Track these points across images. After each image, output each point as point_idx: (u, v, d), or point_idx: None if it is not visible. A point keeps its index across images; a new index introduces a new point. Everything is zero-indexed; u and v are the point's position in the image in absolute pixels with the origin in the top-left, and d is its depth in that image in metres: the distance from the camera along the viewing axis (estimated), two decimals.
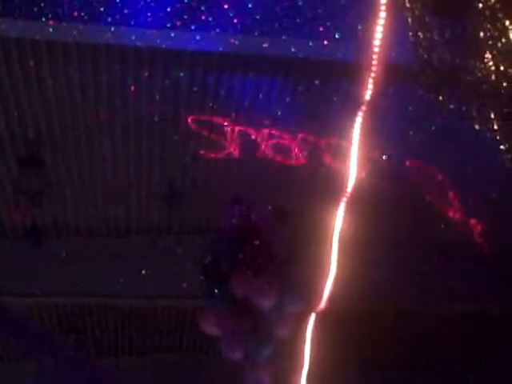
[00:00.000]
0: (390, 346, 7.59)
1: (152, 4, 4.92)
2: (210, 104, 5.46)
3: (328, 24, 4.73)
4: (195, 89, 5.34)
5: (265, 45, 4.91)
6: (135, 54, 5.08)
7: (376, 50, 3.72)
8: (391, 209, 6.03)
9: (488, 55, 2.92)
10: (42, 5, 4.74)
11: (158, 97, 5.38)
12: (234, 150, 5.64)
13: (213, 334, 5.21)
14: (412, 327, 7.53)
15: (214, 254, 5.49)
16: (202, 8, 4.87)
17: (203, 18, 4.74)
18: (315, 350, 5.63)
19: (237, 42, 4.84)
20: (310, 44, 4.61)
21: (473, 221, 6.19)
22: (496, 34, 2.84)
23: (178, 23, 4.91)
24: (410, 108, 5.10)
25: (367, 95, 3.86)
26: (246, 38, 4.92)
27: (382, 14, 3.60)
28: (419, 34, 3.01)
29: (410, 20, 3.05)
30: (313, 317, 5.61)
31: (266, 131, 5.60)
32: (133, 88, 5.32)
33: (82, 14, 4.79)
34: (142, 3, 4.92)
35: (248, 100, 5.42)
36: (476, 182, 5.83)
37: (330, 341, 5.78)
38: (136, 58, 5.11)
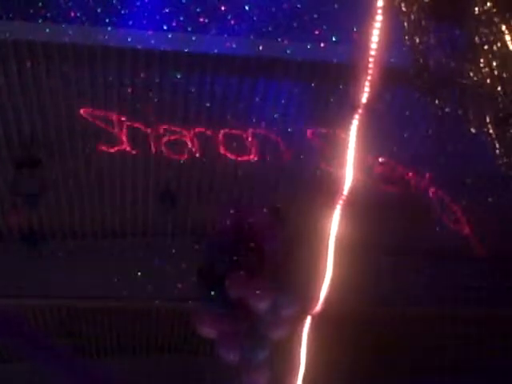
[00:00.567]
0: (385, 349, 7.60)
1: (149, 6, 4.92)
2: (207, 105, 5.47)
3: (325, 27, 4.75)
4: (192, 90, 5.35)
5: (260, 47, 4.93)
6: (132, 55, 5.09)
7: (372, 53, 3.73)
8: (387, 212, 6.03)
9: (484, 59, 2.93)
10: (39, 6, 4.75)
11: (154, 98, 5.39)
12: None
13: (208, 335, 5.21)
14: (408, 330, 7.54)
15: (209, 257, 5.50)
16: (198, 10, 4.88)
17: (200, 20, 4.75)
18: (311, 352, 5.63)
19: (234, 45, 4.85)
20: (309, 47, 4.62)
21: (466, 223, 6.19)
22: (492, 38, 2.85)
23: (175, 25, 4.93)
24: (406, 111, 5.11)
25: (364, 98, 3.87)
26: (242, 40, 4.93)
27: (379, 18, 3.61)
28: (415, 37, 3.02)
29: (406, 24, 3.05)
30: (309, 319, 5.62)
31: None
32: (130, 89, 5.33)
33: (79, 15, 4.80)
34: (138, 5, 4.93)
35: (244, 102, 5.43)
36: (472, 186, 5.84)
37: (326, 343, 5.79)
38: (132, 59, 5.12)
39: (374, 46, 3.69)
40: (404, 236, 6.47)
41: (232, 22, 4.78)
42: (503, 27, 2.82)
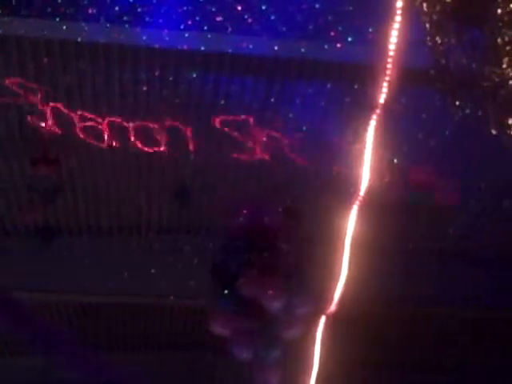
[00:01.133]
0: (399, 349, 7.59)
1: (165, 5, 4.93)
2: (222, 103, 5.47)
3: (341, 27, 4.74)
4: (207, 89, 5.35)
5: (276, 47, 4.92)
6: (147, 53, 5.10)
7: (391, 53, 3.73)
8: (403, 213, 6.02)
9: (506, 60, 2.92)
10: (56, 4, 4.76)
11: (169, 97, 5.39)
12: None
13: (222, 334, 5.22)
14: (422, 330, 7.53)
15: (223, 255, 5.50)
16: (213, 9, 4.88)
17: (217, 19, 4.74)
18: (325, 352, 5.63)
19: (251, 46, 4.85)
20: (326, 47, 4.61)
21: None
22: None
23: (191, 24, 4.93)
24: (425, 112, 5.09)
25: (382, 98, 3.87)
26: (257, 40, 4.93)
27: (398, 18, 3.61)
28: (437, 38, 3.01)
29: (427, 24, 3.04)
30: (323, 319, 5.61)
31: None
32: (145, 88, 5.33)
33: (96, 13, 4.81)
34: (154, 4, 4.93)
35: (260, 101, 5.43)
36: (490, 188, 5.83)
37: (340, 343, 5.78)
38: (148, 57, 5.13)
39: (392, 46, 3.68)
40: (419, 237, 6.45)
41: (249, 22, 4.78)
42: None
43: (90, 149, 5.85)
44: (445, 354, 7.96)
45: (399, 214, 5.99)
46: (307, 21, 4.78)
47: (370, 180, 4.47)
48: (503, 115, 3.03)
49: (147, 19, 4.89)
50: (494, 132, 3.09)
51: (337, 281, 5.32)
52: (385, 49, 3.73)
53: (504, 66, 2.90)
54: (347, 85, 5.08)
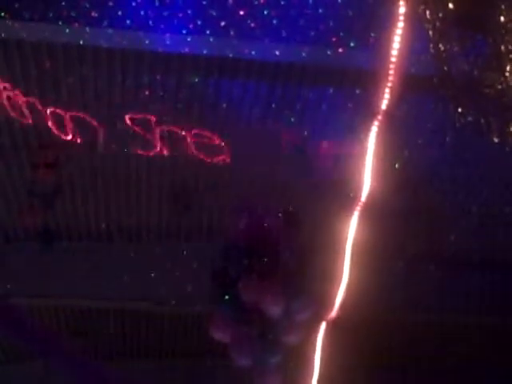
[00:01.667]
0: (400, 355, 7.58)
1: (167, 9, 4.93)
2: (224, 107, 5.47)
3: (343, 33, 4.74)
4: (209, 93, 5.35)
5: (277, 52, 4.92)
6: (150, 58, 5.10)
7: (393, 59, 3.73)
8: (404, 219, 6.02)
9: (508, 68, 2.92)
10: (58, 7, 4.77)
11: (171, 100, 5.40)
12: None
13: (222, 340, 5.22)
14: (423, 336, 7.52)
15: (223, 261, 5.50)
16: (214, 13, 4.89)
17: (221, 23, 4.75)
18: (325, 358, 5.62)
19: (253, 51, 4.85)
20: (328, 53, 4.61)
21: None
22: None
23: (193, 28, 4.93)
24: (426, 119, 5.10)
25: (383, 105, 3.87)
26: (259, 45, 4.93)
27: (401, 24, 3.61)
28: (439, 45, 3.01)
29: (430, 31, 3.05)
30: (323, 325, 5.61)
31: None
32: (147, 92, 5.34)
33: (99, 17, 4.81)
34: (157, 8, 4.94)
35: (260, 108, 5.43)
36: (491, 194, 5.83)
37: (341, 349, 5.78)
38: (151, 62, 5.13)
39: (395, 52, 3.69)
40: (420, 243, 6.45)
41: (251, 26, 4.78)
42: None
43: (90, 153, 5.85)
44: (446, 360, 7.95)
45: (400, 220, 5.99)
46: (309, 26, 4.78)
47: (371, 186, 4.47)
48: (505, 122, 3.03)
49: (149, 22, 4.90)
50: (495, 139, 3.09)
51: (337, 287, 5.31)
52: (387, 55, 3.73)
53: (507, 73, 2.90)
54: (349, 90, 5.08)
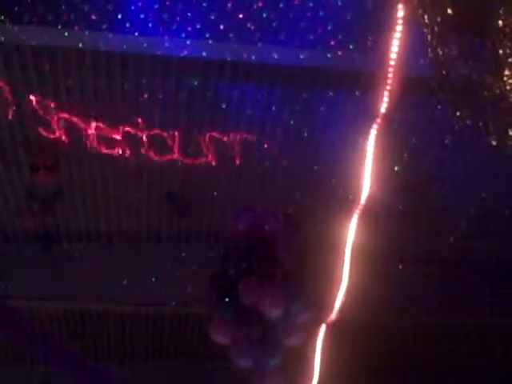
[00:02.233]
0: (400, 358, 7.59)
1: (165, 13, 4.94)
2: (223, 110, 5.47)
3: (341, 36, 4.75)
4: (208, 96, 5.36)
5: (274, 55, 4.93)
6: (150, 61, 5.11)
7: (392, 63, 3.74)
8: (403, 221, 6.03)
9: (507, 72, 2.93)
10: (57, 11, 4.78)
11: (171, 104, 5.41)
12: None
13: (222, 342, 5.22)
14: (423, 339, 7.53)
15: (223, 263, 5.50)
16: (212, 17, 4.90)
17: (221, 27, 4.76)
18: (325, 361, 5.62)
19: (251, 54, 4.86)
20: (328, 56, 4.62)
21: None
22: None
23: (192, 32, 4.94)
24: (425, 122, 5.11)
25: (383, 108, 3.88)
26: (258, 48, 4.94)
27: (399, 28, 3.62)
28: (438, 49, 3.02)
29: (429, 35, 3.06)
30: (323, 328, 5.61)
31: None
32: (146, 95, 5.35)
33: (97, 20, 4.82)
34: (156, 12, 4.95)
35: (260, 111, 5.44)
36: (490, 197, 5.84)
37: (340, 352, 5.78)
38: (151, 65, 5.14)
39: (394, 56, 3.70)
40: (420, 246, 6.46)
41: (252, 30, 4.79)
42: None
43: (90, 156, 5.86)
44: (446, 363, 7.96)
45: (400, 222, 6.00)
46: (309, 29, 4.79)
47: (370, 188, 4.48)
48: (504, 126, 3.04)
49: (147, 25, 4.91)
50: (494, 143, 3.10)
51: (337, 289, 5.32)
52: (386, 58, 3.74)
53: (505, 77, 2.91)
54: (348, 93, 5.09)
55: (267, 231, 5.46)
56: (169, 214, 6.57)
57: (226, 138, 5.54)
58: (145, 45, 4.99)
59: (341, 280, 5.24)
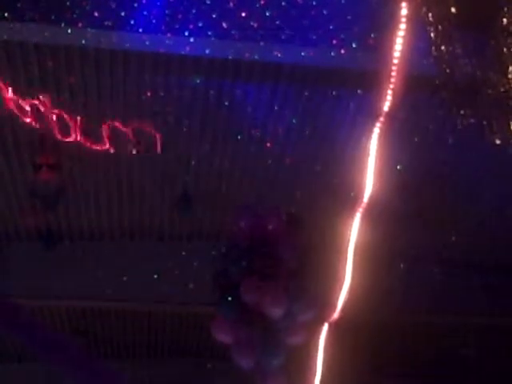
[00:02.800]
0: (403, 357, 7.57)
1: (168, 10, 4.93)
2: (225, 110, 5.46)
3: (344, 34, 4.73)
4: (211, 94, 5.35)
5: (277, 53, 4.90)
6: (153, 59, 5.10)
7: (395, 61, 3.73)
8: (406, 220, 6.01)
9: (511, 70, 2.92)
10: (60, 9, 4.77)
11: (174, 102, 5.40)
12: None
13: (224, 341, 5.21)
14: (425, 339, 7.52)
15: (225, 262, 5.49)
16: (214, 16, 4.88)
17: (224, 25, 4.74)
18: (328, 360, 5.61)
19: (254, 52, 4.84)
20: (332, 54, 4.60)
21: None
22: None
23: (195, 30, 4.93)
24: (428, 120, 5.09)
25: (386, 106, 3.87)
26: (261, 46, 4.92)
27: (403, 26, 3.61)
28: (442, 47, 3.01)
29: (432, 34, 3.05)
30: (326, 327, 5.60)
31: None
32: (149, 93, 5.34)
33: (100, 18, 4.81)
34: (158, 10, 4.94)
35: (263, 110, 5.43)
36: (493, 196, 5.82)
37: (343, 351, 5.78)
38: (153, 63, 5.13)
39: (397, 54, 3.69)
40: (422, 245, 6.44)
41: (255, 27, 4.77)
42: None
43: (92, 154, 5.85)
44: (447, 363, 7.94)
45: (403, 221, 5.98)
46: (312, 27, 4.77)
47: (373, 187, 4.47)
48: (507, 124, 3.03)
49: (151, 23, 4.89)
50: (497, 141, 3.09)
51: (340, 288, 5.31)
52: (389, 57, 3.73)
53: (509, 75, 2.90)
54: (351, 92, 5.07)
55: (269, 230, 5.45)
56: (171, 212, 6.57)
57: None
58: (147, 42, 4.98)
59: (343, 279, 5.23)
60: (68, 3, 4.72)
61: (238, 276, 5.32)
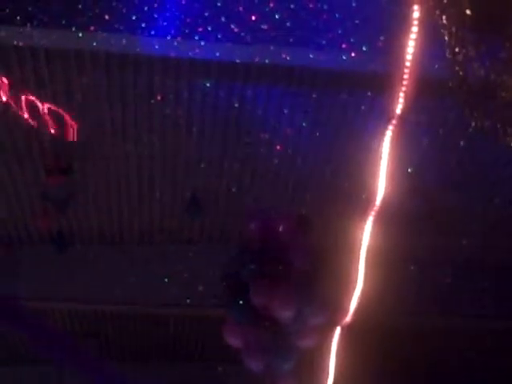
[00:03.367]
0: (414, 361, 7.54)
1: (177, 13, 4.93)
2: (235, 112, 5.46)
3: (355, 37, 4.72)
4: (221, 98, 5.34)
5: (287, 56, 4.90)
6: (163, 63, 5.10)
7: (408, 64, 3.72)
8: (418, 224, 5.99)
9: None
10: (70, 13, 4.77)
11: (184, 106, 5.40)
12: None
13: (235, 345, 5.21)
14: (437, 342, 7.48)
15: (235, 265, 5.49)
16: (224, 19, 4.88)
17: (234, 28, 4.74)
18: (340, 363, 5.60)
19: (263, 55, 4.83)
20: (344, 58, 4.59)
21: None
22: None
23: (204, 33, 4.93)
24: (441, 123, 5.07)
25: (398, 109, 3.85)
26: (270, 48, 4.92)
27: (415, 29, 3.60)
28: (456, 50, 3.00)
29: (446, 36, 3.03)
30: (338, 330, 5.59)
31: None
32: (159, 97, 5.34)
33: (111, 21, 4.81)
34: (169, 14, 4.94)
35: (273, 113, 5.42)
36: (504, 199, 5.80)
37: (355, 354, 5.75)
38: (163, 67, 5.13)
39: (409, 57, 3.67)
40: (434, 248, 6.42)
41: (264, 30, 4.77)
42: None
43: (103, 157, 5.87)
44: (460, 366, 7.90)
45: (414, 224, 5.96)
46: (323, 30, 4.76)
47: (385, 190, 4.45)
48: None
49: (161, 27, 4.89)
50: (511, 144, 3.08)
51: (352, 292, 5.29)
52: (402, 59, 3.72)
53: None
54: (363, 95, 5.06)
55: (280, 233, 5.44)
56: (181, 215, 6.57)
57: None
58: (157, 46, 4.98)
59: (356, 282, 5.22)
60: (79, 7, 4.73)
61: (249, 279, 5.32)
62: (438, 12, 3.10)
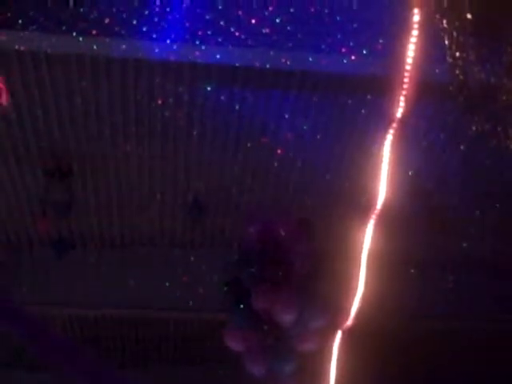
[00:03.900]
0: (416, 365, 7.53)
1: (178, 17, 4.94)
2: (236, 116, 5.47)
3: (355, 40, 4.73)
4: (222, 102, 5.35)
5: (287, 60, 4.90)
6: (162, 67, 5.11)
7: (408, 67, 3.72)
8: (420, 226, 6.00)
9: None
10: (71, 18, 4.78)
11: (184, 109, 5.41)
12: None
13: (236, 348, 5.21)
14: (439, 345, 7.47)
15: (236, 269, 5.50)
16: (224, 23, 4.88)
17: (234, 32, 4.74)
18: (341, 367, 5.60)
19: (264, 59, 4.84)
20: (345, 61, 4.59)
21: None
22: None
23: (205, 37, 4.93)
24: (441, 126, 5.08)
25: (398, 113, 3.86)
26: (271, 52, 4.92)
27: (415, 33, 3.61)
28: (456, 53, 3.00)
29: (446, 40, 3.04)
30: (339, 334, 5.59)
31: None
32: (160, 101, 5.35)
33: (111, 24, 4.82)
34: (168, 17, 4.94)
35: (274, 117, 5.43)
36: (505, 201, 5.80)
37: (356, 358, 5.75)
38: (163, 71, 5.14)
39: (410, 60, 3.68)
40: (435, 251, 6.42)
41: (263, 34, 4.77)
42: None
43: (104, 160, 5.87)
44: (463, 369, 7.89)
45: (415, 227, 5.96)
46: (323, 33, 4.77)
47: (386, 194, 4.46)
48: None
49: (162, 31, 4.90)
50: None
51: (353, 295, 5.29)
52: (402, 63, 3.73)
53: None
54: (364, 98, 5.07)
55: (280, 236, 5.45)
56: (183, 219, 6.57)
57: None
58: (157, 50, 4.98)
59: (357, 286, 5.22)
60: (79, 12, 4.74)
61: (250, 283, 5.32)
62: (438, 16, 3.10)
